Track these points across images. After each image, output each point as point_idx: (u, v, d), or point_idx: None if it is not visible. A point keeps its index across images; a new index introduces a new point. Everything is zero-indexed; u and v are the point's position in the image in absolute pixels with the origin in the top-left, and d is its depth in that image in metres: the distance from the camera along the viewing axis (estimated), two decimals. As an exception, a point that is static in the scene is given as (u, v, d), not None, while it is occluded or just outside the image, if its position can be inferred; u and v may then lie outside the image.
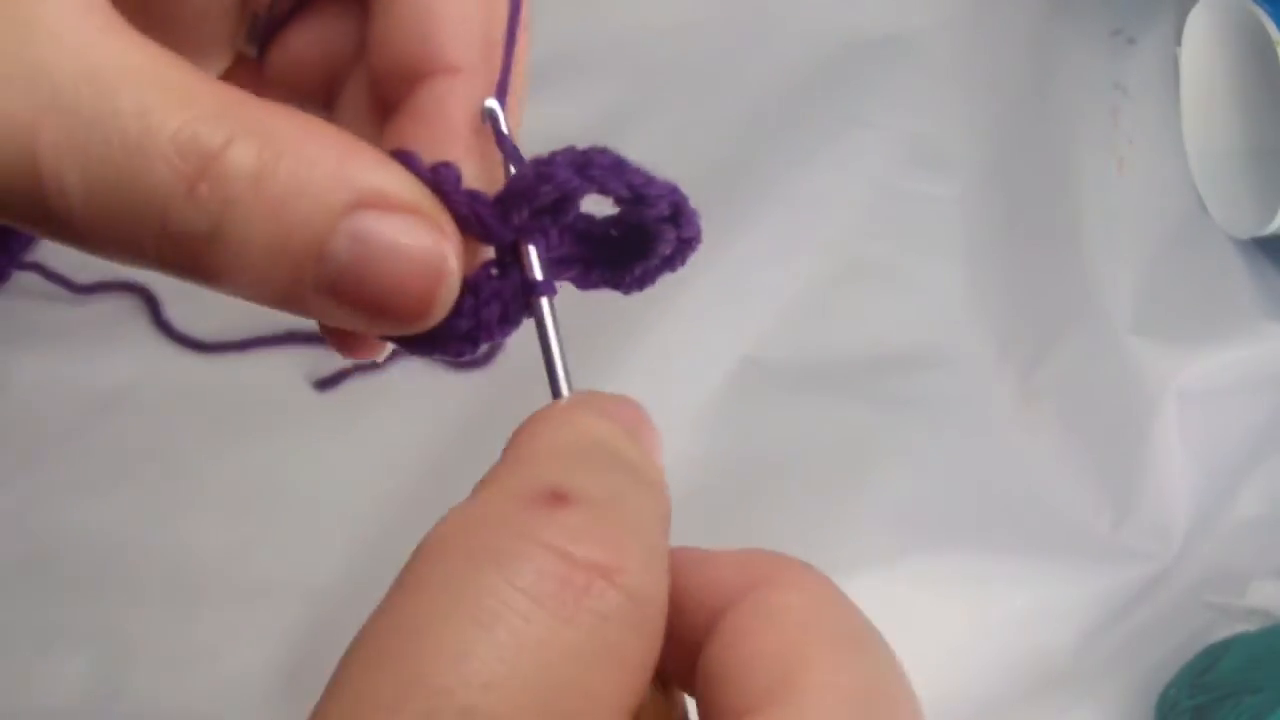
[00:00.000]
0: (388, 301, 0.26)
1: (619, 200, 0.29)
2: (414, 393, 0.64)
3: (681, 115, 0.70)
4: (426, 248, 0.26)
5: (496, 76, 0.29)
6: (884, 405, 0.66)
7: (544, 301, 0.29)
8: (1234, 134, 0.72)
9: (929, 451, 0.65)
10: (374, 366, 0.64)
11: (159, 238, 0.24)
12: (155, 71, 0.25)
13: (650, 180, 0.28)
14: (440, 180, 0.28)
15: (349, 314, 0.26)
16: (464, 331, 0.28)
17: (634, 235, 0.30)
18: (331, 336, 0.31)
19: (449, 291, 0.27)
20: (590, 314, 0.64)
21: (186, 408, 0.65)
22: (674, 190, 0.29)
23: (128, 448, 0.64)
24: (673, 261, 0.30)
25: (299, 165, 0.25)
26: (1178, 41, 0.71)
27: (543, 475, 0.25)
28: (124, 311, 0.67)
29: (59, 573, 0.61)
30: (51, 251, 0.67)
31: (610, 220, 0.30)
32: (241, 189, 0.24)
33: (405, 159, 0.27)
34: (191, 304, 0.66)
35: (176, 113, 0.24)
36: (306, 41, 0.33)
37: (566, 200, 0.28)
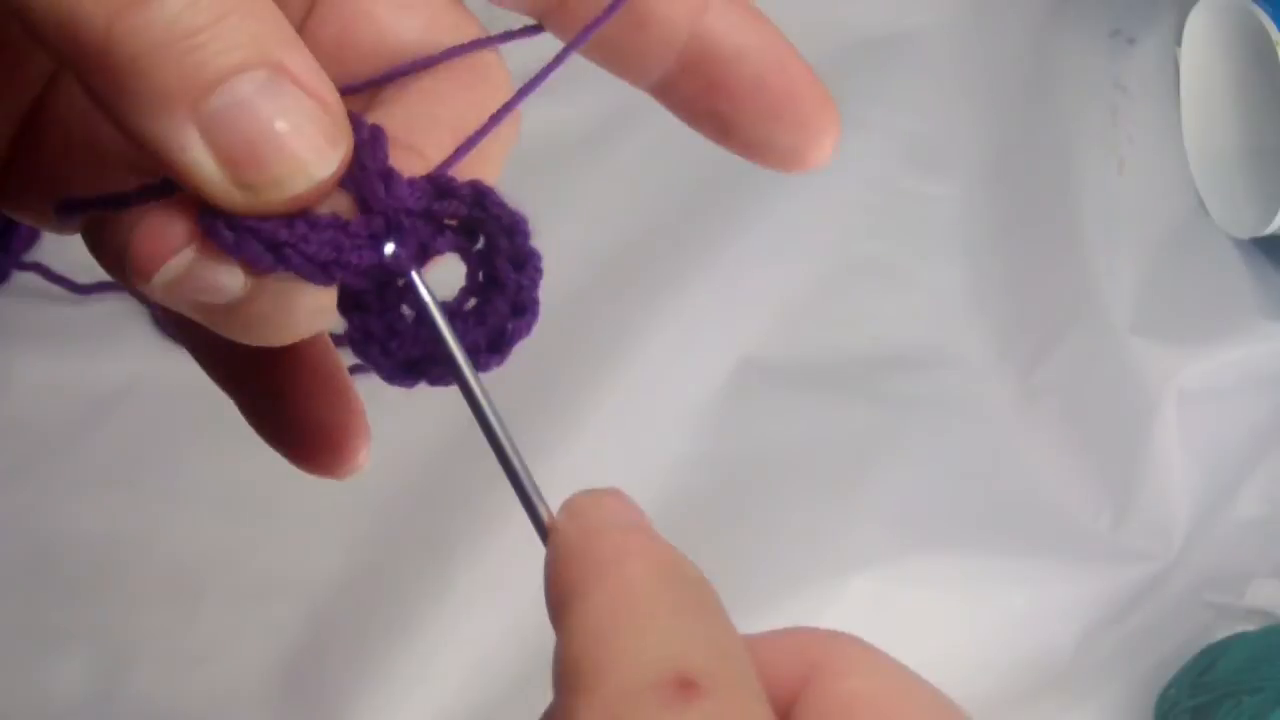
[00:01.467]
0: (262, 152, 0.24)
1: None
2: (413, 393, 0.64)
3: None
4: (330, 129, 0.25)
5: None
6: (884, 405, 0.66)
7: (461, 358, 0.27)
8: (1234, 134, 0.72)
9: (929, 451, 0.65)
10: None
11: (61, 25, 0.23)
12: None
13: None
14: (373, 136, 0.26)
15: (207, 153, 0.24)
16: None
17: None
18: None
19: (324, 177, 0.25)
20: (591, 314, 0.64)
21: (186, 408, 0.65)
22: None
23: (128, 448, 0.64)
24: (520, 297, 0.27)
25: (241, 7, 0.24)
26: (1178, 41, 0.71)
27: (653, 658, 0.23)
28: (124, 311, 0.67)
29: (59, 573, 0.61)
30: (52, 251, 0.67)
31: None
32: None
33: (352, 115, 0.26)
34: (191, 304, 0.66)
35: None
36: None
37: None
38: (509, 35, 0.30)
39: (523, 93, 0.28)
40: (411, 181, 0.26)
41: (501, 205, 0.26)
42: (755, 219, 0.69)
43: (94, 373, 0.65)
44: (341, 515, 0.63)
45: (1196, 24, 0.70)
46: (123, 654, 0.59)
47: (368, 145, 0.26)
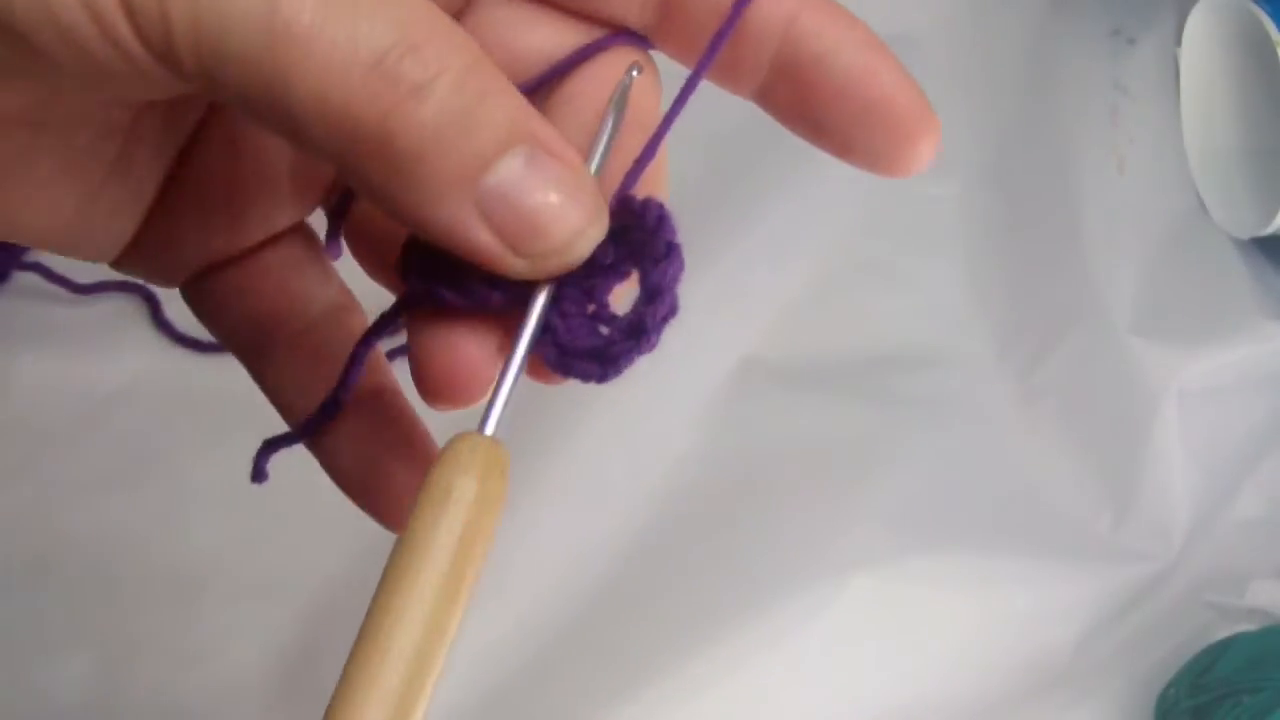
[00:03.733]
0: (540, 224, 0.26)
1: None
2: (413, 391, 0.64)
3: (680, 116, 0.70)
4: (590, 197, 0.26)
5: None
6: (884, 405, 0.66)
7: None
8: (1234, 134, 0.72)
9: (929, 451, 0.65)
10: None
11: (368, 73, 0.24)
12: None
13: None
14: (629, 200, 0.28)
15: (488, 231, 0.26)
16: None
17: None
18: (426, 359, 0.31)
19: (593, 239, 0.27)
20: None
21: (186, 408, 0.65)
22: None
23: (128, 448, 0.64)
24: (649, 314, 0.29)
25: (495, 83, 0.25)
26: (1178, 41, 0.71)
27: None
28: (124, 311, 0.67)
29: (60, 573, 0.61)
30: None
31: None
32: (453, 65, 0.25)
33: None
34: (191, 304, 0.66)
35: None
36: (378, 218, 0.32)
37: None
38: (610, 39, 0.31)
39: (672, 114, 0.30)
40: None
41: (668, 231, 0.28)
42: (756, 219, 0.69)
43: (94, 373, 0.65)
44: (341, 515, 0.63)
45: (1196, 24, 0.70)
46: (123, 654, 0.59)
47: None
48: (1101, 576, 0.62)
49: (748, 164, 0.70)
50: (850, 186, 0.71)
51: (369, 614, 0.27)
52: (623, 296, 0.29)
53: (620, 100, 0.29)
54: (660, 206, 0.28)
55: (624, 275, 0.28)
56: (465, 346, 0.29)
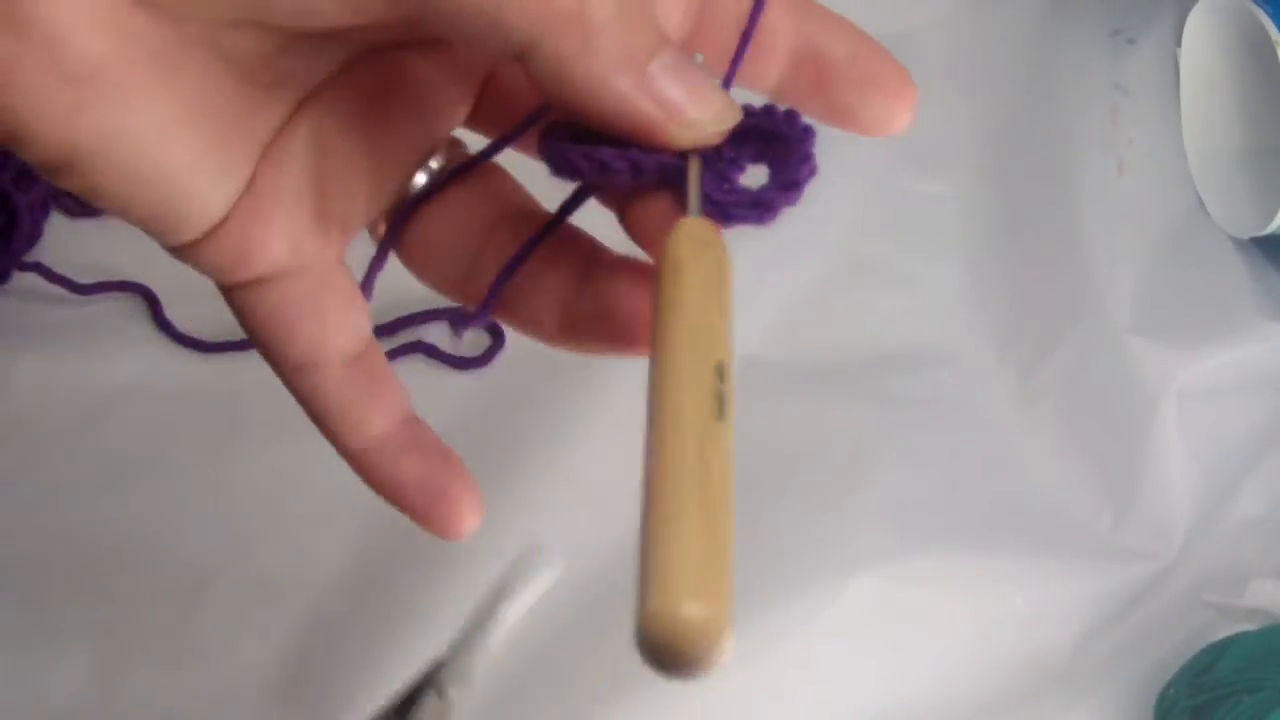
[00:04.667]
0: (696, 93, 0.31)
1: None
2: (414, 392, 0.64)
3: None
4: (720, 88, 0.32)
5: None
6: (884, 405, 0.66)
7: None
8: (1234, 134, 0.72)
9: (929, 451, 0.65)
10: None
11: (539, 4, 0.29)
12: None
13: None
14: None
15: (651, 100, 0.31)
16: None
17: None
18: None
19: (733, 118, 0.32)
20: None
21: (186, 408, 0.65)
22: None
23: (128, 448, 0.64)
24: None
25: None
26: (1178, 41, 0.71)
27: None
28: (124, 311, 0.67)
29: (59, 572, 0.61)
30: (52, 251, 0.67)
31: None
32: None
33: None
34: (191, 304, 0.66)
35: None
36: (439, 226, 0.36)
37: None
38: None
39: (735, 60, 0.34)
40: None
41: (811, 142, 0.34)
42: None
43: (94, 373, 0.65)
44: (341, 515, 0.63)
45: (1196, 24, 0.70)
46: (123, 654, 0.59)
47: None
48: (1101, 576, 0.62)
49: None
50: (850, 187, 0.71)
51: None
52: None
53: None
54: (801, 119, 0.33)
55: (744, 168, 0.34)
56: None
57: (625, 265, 0.35)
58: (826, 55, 0.34)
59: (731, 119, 0.32)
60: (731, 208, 0.34)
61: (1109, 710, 0.58)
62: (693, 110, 0.31)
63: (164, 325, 0.67)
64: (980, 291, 0.70)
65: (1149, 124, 0.72)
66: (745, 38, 0.34)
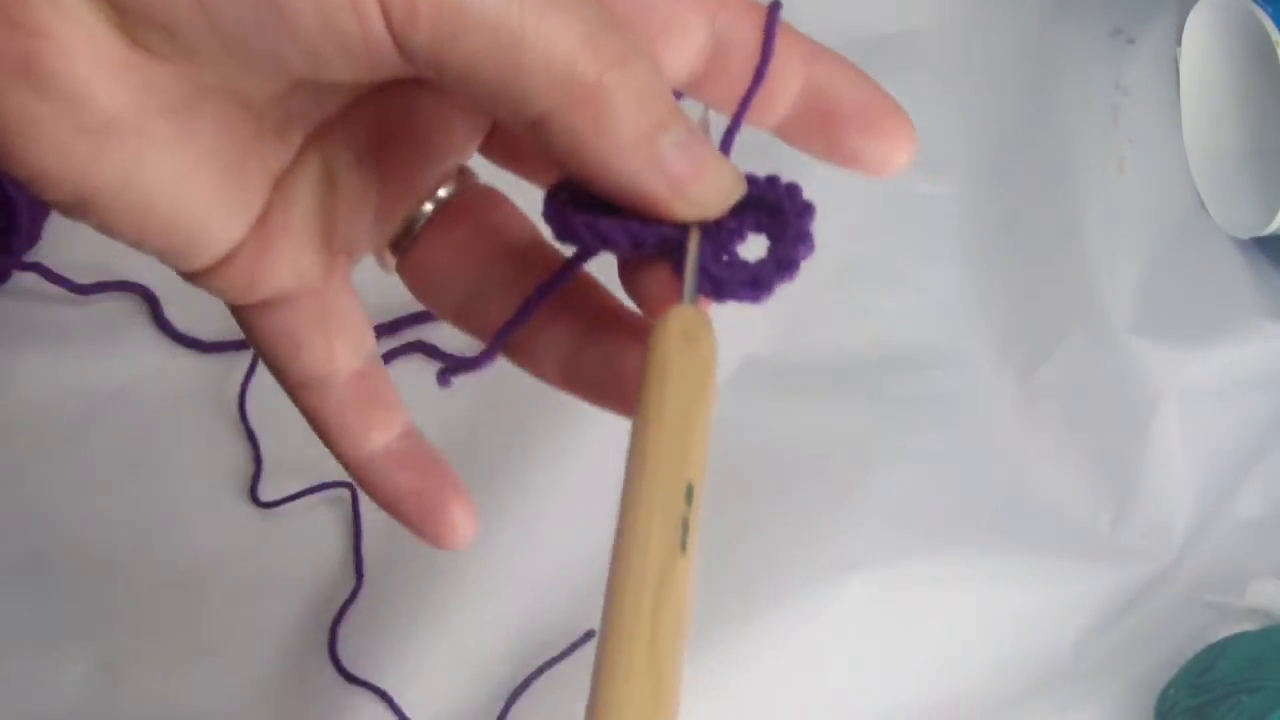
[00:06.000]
0: (703, 168, 0.32)
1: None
2: (414, 393, 0.64)
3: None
4: (728, 162, 0.33)
5: None
6: (884, 405, 0.66)
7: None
8: (1234, 134, 0.72)
9: (929, 451, 0.65)
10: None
11: (584, 41, 0.29)
12: None
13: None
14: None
15: (661, 175, 0.31)
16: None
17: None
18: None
19: (739, 193, 0.33)
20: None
21: (186, 408, 0.65)
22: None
23: (128, 448, 0.64)
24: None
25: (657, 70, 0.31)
26: (1178, 41, 0.71)
27: None
28: (124, 311, 0.67)
29: (60, 573, 0.61)
30: (52, 251, 0.67)
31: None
32: (620, 53, 0.30)
33: None
34: (191, 304, 0.66)
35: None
36: (441, 255, 0.36)
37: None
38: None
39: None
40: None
41: (809, 218, 0.34)
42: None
43: (94, 373, 0.65)
44: (342, 515, 0.63)
45: (1196, 24, 0.70)
46: (123, 654, 0.59)
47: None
48: (1101, 576, 0.62)
49: (746, 164, 0.70)
50: (850, 187, 0.70)
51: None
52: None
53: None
54: (802, 194, 0.34)
55: (744, 237, 0.34)
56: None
57: (630, 324, 0.36)
58: (834, 98, 0.35)
59: (736, 194, 0.33)
60: (727, 285, 0.33)
61: (1109, 710, 0.58)
62: (698, 188, 0.32)
63: (164, 325, 0.67)
64: (980, 291, 0.70)
65: (1149, 124, 0.72)
66: (757, 77, 0.34)
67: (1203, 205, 0.71)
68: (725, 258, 0.33)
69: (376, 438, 0.36)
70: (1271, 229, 0.66)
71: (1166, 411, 0.64)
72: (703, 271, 0.33)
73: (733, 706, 0.57)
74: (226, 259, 0.33)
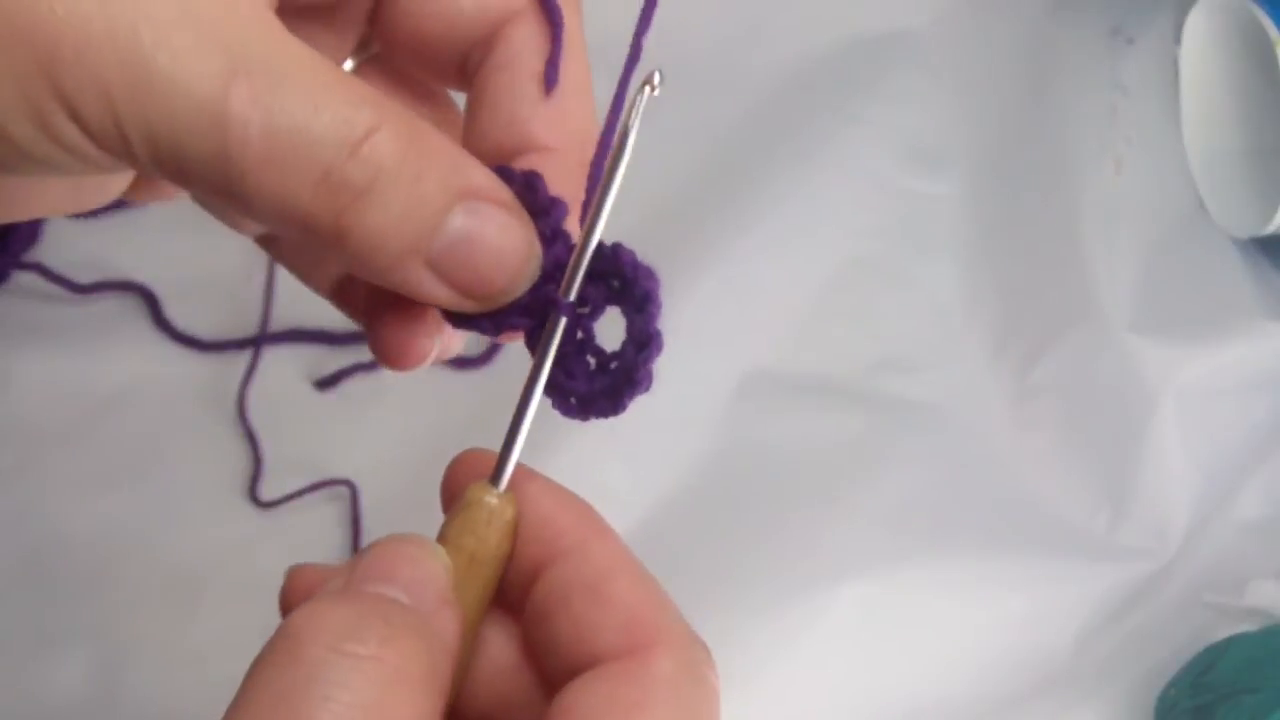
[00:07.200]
0: (483, 275, 0.31)
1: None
2: (413, 392, 0.64)
3: (679, 115, 0.70)
4: (521, 236, 0.32)
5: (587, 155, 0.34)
6: (882, 405, 0.66)
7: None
8: (1234, 134, 0.72)
9: (927, 452, 0.65)
10: (374, 366, 0.64)
11: (317, 185, 0.29)
12: (316, 63, 0.29)
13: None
14: (531, 184, 0.32)
15: (443, 286, 0.31)
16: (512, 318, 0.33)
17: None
18: (381, 342, 0.36)
19: (530, 275, 0.32)
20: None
21: (186, 408, 0.65)
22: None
23: (128, 448, 0.64)
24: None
25: (427, 155, 0.30)
26: (1177, 41, 0.71)
27: None
28: (124, 311, 0.67)
29: (59, 573, 0.61)
30: (51, 251, 0.67)
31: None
32: (389, 159, 0.29)
33: (502, 172, 0.32)
34: (191, 304, 0.66)
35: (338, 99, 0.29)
36: (425, 12, 0.36)
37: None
38: None
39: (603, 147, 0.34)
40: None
41: (638, 275, 0.33)
42: (754, 219, 0.69)
43: (94, 373, 0.65)
44: (341, 515, 0.63)
45: (1196, 24, 0.70)
46: (123, 654, 0.59)
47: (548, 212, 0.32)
48: (1100, 577, 0.62)
49: (747, 165, 0.70)
50: (849, 186, 0.70)
51: None
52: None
53: (632, 117, 0.34)
54: (632, 256, 0.33)
55: (603, 310, 0.33)
56: (419, 338, 0.35)
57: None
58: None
59: (527, 280, 0.32)
60: (578, 402, 0.33)
61: (1109, 710, 0.58)
62: (482, 289, 0.32)
63: (164, 325, 0.67)
64: (978, 290, 0.70)
65: (1149, 124, 0.72)
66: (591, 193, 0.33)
67: (1202, 205, 0.71)
68: (580, 335, 0.33)
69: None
70: (1271, 229, 0.66)
71: (1165, 411, 0.64)
72: (553, 387, 0.33)
73: (732, 708, 0.57)
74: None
